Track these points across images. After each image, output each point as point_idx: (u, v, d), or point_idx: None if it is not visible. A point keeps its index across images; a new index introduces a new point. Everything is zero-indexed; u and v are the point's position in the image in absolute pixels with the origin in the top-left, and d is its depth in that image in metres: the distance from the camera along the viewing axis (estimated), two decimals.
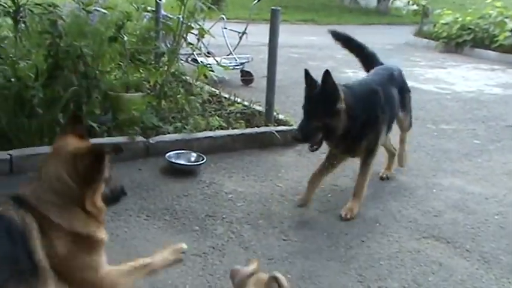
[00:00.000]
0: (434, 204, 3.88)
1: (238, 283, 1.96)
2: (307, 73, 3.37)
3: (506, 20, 10.79)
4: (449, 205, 3.89)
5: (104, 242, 2.17)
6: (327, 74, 3.20)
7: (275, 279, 1.88)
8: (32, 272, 1.93)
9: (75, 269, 2.06)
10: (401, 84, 4.06)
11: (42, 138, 4.12)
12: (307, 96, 3.37)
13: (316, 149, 3.40)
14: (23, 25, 4.53)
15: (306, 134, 3.33)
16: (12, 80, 4.17)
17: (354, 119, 3.34)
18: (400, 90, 3.99)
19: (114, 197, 2.27)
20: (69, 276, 2.05)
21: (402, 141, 4.31)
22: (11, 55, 4.35)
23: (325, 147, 3.65)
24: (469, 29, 11.31)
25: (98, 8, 5.00)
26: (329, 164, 3.72)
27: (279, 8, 5.00)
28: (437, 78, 8.55)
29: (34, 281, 1.94)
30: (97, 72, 4.55)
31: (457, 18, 11.73)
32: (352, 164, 4.57)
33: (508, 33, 10.43)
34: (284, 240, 3.27)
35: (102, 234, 2.15)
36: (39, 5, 4.40)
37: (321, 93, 3.25)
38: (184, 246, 2.50)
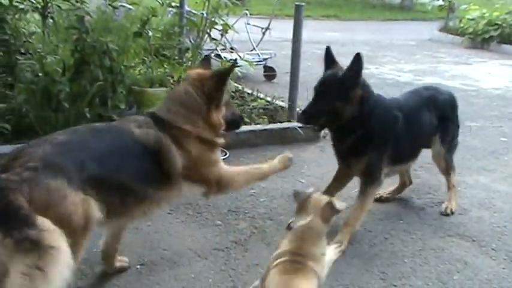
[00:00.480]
0: (459, 202, 3.81)
1: (300, 202, 2.33)
2: (328, 51, 3.16)
3: None
4: (475, 203, 3.84)
5: (221, 146, 2.69)
6: (358, 57, 2.96)
7: (330, 204, 2.26)
8: (162, 177, 2.43)
9: (200, 166, 2.55)
10: (443, 112, 3.59)
11: None
12: (324, 76, 3.14)
13: (319, 130, 3.24)
14: (50, 21, 4.62)
15: (309, 117, 3.17)
16: (40, 74, 4.24)
17: (363, 116, 3.07)
18: (441, 118, 3.56)
19: (234, 121, 2.79)
20: (194, 173, 2.53)
21: (448, 187, 3.73)
22: (38, 50, 4.43)
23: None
24: (496, 24, 11.12)
25: (124, 4, 5.05)
26: (336, 183, 3.47)
27: (303, 4, 4.99)
28: (463, 75, 8.42)
29: (165, 183, 2.44)
30: (122, 67, 4.60)
31: (484, 13, 11.54)
32: None
33: None
34: None
35: (220, 140, 2.66)
36: (67, 0, 4.46)
37: (342, 75, 3.02)
38: (290, 155, 3.02)
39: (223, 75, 2.62)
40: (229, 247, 3.08)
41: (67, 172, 2.05)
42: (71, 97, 4.22)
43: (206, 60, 2.96)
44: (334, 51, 3.27)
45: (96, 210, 2.15)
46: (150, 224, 3.28)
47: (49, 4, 4.48)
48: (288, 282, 2.09)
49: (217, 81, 2.58)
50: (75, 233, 2.02)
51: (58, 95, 4.13)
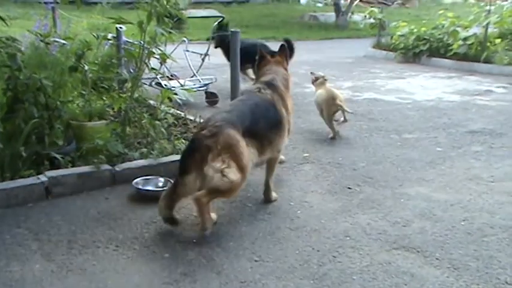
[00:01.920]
0: (402, 214, 3.93)
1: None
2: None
3: (458, 29, 11.17)
4: (417, 214, 3.95)
5: None
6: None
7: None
8: (278, 121, 3.92)
9: (290, 117, 4.14)
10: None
11: (3, 174, 4.03)
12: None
13: None
14: None
15: None
16: None
17: None
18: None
19: None
20: (289, 121, 4.11)
21: None
22: None
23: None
24: (425, 39, 11.64)
25: (57, 39, 4.95)
26: None
27: (238, 30, 5.07)
28: (398, 89, 8.74)
29: (280, 125, 3.93)
30: (58, 102, 4.49)
31: (413, 29, 12.06)
32: (321, 180, 4.62)
33: (461, 42, 10.79)
34: (256, 261, 3.26)
35: None
36: None
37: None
38: None
39: (288, 54, 4.42)
40: (178, 280, 3.03)
41: (237, 126, 3.46)
42: (5, 137, 4.08)
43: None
44: None
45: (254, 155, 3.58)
46: (95, 263, 3.19)
47: None
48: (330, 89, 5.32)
49: (286, 59, 4.36)
50: (242, 168, 3.39)
51: None
